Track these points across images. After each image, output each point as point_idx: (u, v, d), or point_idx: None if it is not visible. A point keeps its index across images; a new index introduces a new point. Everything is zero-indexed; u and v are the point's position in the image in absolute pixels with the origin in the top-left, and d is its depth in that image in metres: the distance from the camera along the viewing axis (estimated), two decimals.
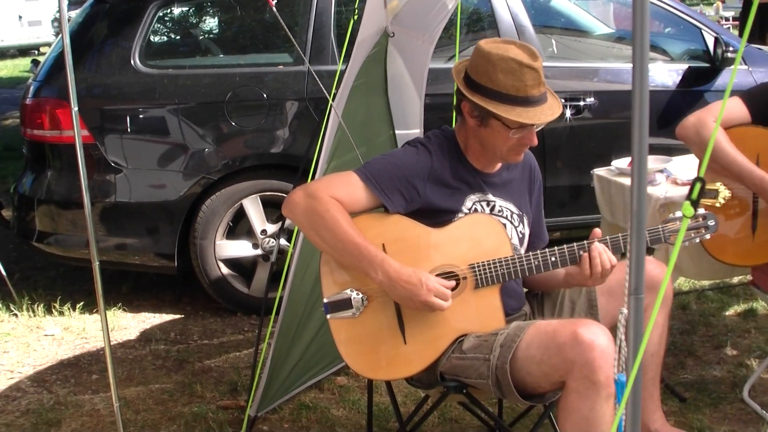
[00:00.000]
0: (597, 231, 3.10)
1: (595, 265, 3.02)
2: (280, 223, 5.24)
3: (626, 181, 4.31)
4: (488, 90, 3.01)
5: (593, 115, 5.66)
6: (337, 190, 3.04)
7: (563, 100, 5.47)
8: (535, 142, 3.11)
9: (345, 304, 3.06)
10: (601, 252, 3.03)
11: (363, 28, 3.87)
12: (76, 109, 3.56)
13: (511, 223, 3.26)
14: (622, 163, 4.51)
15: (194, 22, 6.30)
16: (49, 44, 26.48)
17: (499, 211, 3.24)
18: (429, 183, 3.11)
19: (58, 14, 23.47)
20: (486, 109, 3.01)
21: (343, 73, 4.00)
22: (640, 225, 1.64)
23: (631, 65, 1.62)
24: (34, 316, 5.70)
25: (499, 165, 3.28)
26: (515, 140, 3.07)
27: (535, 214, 3.45)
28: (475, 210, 3.18)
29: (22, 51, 28.10)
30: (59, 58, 5.09)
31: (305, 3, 5.55)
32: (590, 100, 5.61)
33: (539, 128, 3.12)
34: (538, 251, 3.07)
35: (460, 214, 3.15)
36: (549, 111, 3.05)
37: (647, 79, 1.62)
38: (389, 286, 2.95)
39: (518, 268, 3.05)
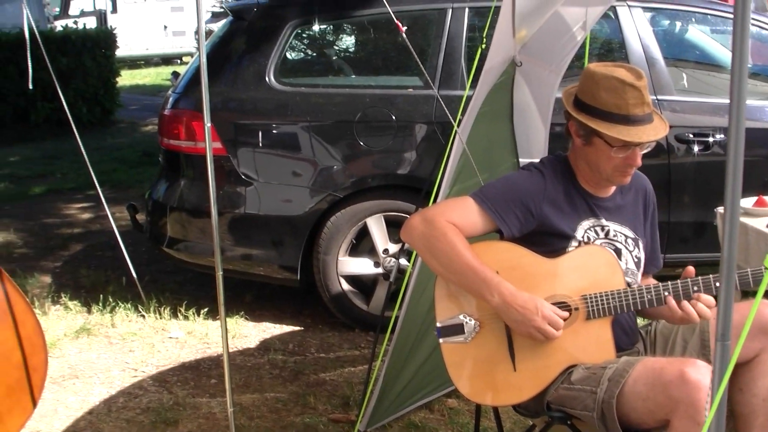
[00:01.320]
0: (690, 269, 3.09)
1: (684, 307, 3.03)
2: (401, 244, 5.31)
3: (749, 221, 4.25)
4: (591, 108, 3.06)
5: (723, 152, 5.58)
6: (453, 215, 3.10)
7: (691, 135, 5.48)
8: (639, 162, 3.11)
9: (457, 329, 3.12)
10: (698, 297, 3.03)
11: (491, 56, 3.93)
12: (209, 124, 3.70)
13: (626, 248, 3.26)
14: (748, 202, 4.44)
15: (328, 42, 6.43)
16: (191, 54, 27.25)
17: (614, 236, 3.25)
18: (544, 204, 3.15)
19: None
20: (588, 126, 3.05)
21: (469, 99, 4.06)
22: (730, 272, 1.64)
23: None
24: (160, 318, 5.91)
25: (613, 189, 3.29)
26: (619, 160, 3.08)
27: (650, 238, 3.44)
28: (588, 238, 3.20)
29: (166, 60, 28.98)
30: (197, 73, 5.28)
31: (438, 27, 5.61)
32: (720, 136, 5.52)
33: (646, 150, 3.12)
34: (651, 285, 3.07)
35: (573, 242, 3.17)
36: (652, 131, 3.05)
37: (743, 112, 1.62)
38: (504, 309, 2.99)
39: (630, 301, 3.05)
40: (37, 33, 5.92)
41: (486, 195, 3.16)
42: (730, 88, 1.60)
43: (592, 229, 3.22)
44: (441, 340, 3.13)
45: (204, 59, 3.64)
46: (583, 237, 3.20)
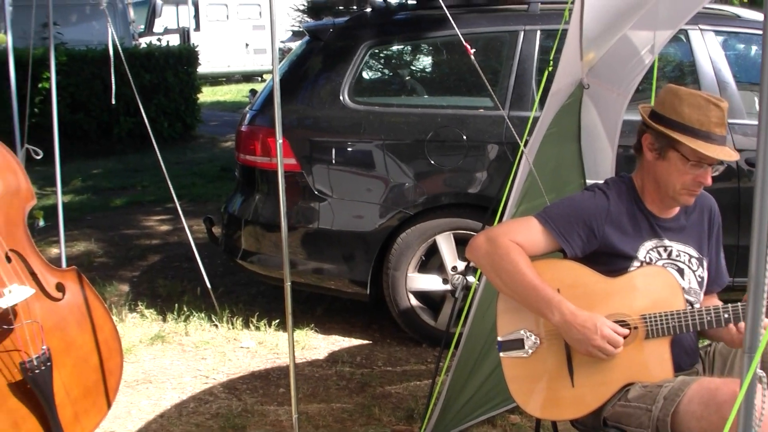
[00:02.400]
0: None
1: (743, 330, 3.05)
2: (467, 262, 5.39)
3: None
4: (672, 122, 3.13)
5: None
6: (517, 235, 3.19)
7: None
8: (709, 182, 3.16)
9: (518, 343, 3.20)
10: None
11: (558, 79, 4.00)
12: (280, 141, 3.83)
13: (689, 267, 3.30)
14: None
15: (402, 62, 6.54)
16: (271, 72, 27.59)
17: (677, 256, 3.29)
18: (606, 225, 3.21)
19: (281, 44, 24.29)
20: (668, 137, 3.12)
21: (536, 120, 4.14)
22: (758, 289, 1.70)
23: None
24: (233, 328, 6.06)
25: (676, 210, 3.34)
26: (690, 177, 3.14)
27: (714, 256, 3.47)
28: (651, 258, 3.24)
29: (246, 77, 29.38)
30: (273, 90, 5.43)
31: (509, 49, 5.69)
32: None
33: (715, 173, 3.18)
34: (711, 307, 3.11)
35: (635, 263, 3.23)
36: (727, 153, 3.11)
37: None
38: (565, 327, 3.06)
39: (690, 322, 3.09)
40: (121, 50, 6.13)
41: (549, 215, 3.24)
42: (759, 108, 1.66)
43: (654, 250, 3.27)
44: (501, 354, 3.22)
45: (277, 78, 3.78)
46: (645, 258, 3.25)
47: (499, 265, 3.16)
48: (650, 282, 3.18)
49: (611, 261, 3.23)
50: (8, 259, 3.81)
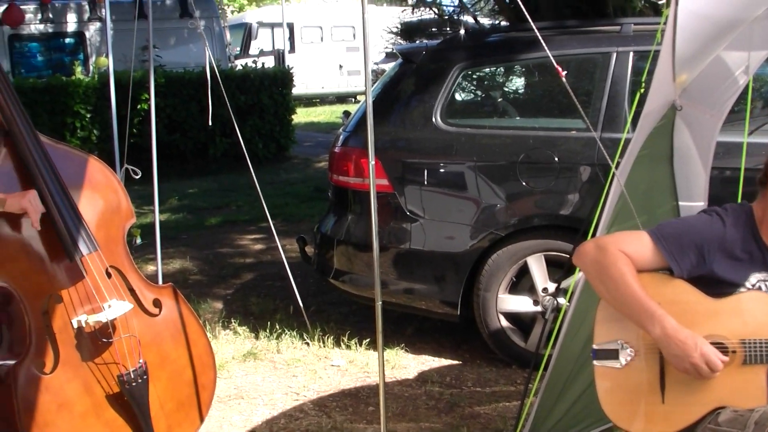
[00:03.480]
0: None
1: None
2: (558, 283, 5.38)
3: None
4: None
5: None
6: (626, 246, 3.18)
7: None
8: None
9: (612, 353, 3.19)
10: None
11: (650, 100, 3.98)
12: (372, 162, 3.89)
13: None
14: None
15: (494, 84, 6.56)
16: (364, 93, 27.80)
17: None
18: (718, 253, 3.17)
19: (374, 65, 24.47)
20: None
21: (628, 142, 4.12)
22: None
23: None
24: (324, 346, 6.12)
25: None
26: None
27: None
28: (759, 288, 3.21)
29: (340, 98, 29.63)
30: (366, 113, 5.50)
31: (602, 70, 5.66)
32: None
33: None
34: None
35: (741, 289, 3.20)
36: None
37: None
38: (664, 341, 3.03)
39: None
40: (217, 72, 6.27)
41: (663, 233, 3.21)
42: None
43: (763, 282, 3.22)
44: (595, 362, 3.21)
45: (370, 100, 3.84)
46: (752, 287, 3.21)
47: (606, 273, 3.15)
48: (754, 307, 3.14)
49: (717, 285, 3.18)
50: (108, 275, 3.92)
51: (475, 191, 5.68)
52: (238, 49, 26.91)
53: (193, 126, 14.98)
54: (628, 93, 5.55)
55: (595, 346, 3.22)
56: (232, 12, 38.51)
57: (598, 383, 3.22)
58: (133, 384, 3.89)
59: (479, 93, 6.60)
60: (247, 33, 27.61)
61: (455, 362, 5.91)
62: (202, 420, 4.33)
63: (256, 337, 6.38)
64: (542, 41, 4.06)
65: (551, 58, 4.08)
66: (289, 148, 16.57)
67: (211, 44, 16.19)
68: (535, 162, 5.60)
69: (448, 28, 11.44)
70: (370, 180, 3.92)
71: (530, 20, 4.03)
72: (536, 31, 4.11)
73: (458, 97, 6.22)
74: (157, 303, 4.16)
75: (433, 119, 5.75)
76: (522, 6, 4.07)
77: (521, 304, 5.71)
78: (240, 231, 10.35)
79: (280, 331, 6.35)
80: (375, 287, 4.03)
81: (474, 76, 6.37)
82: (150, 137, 6.45)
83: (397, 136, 5.84)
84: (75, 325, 3.80)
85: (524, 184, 5.57)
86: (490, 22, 12.22)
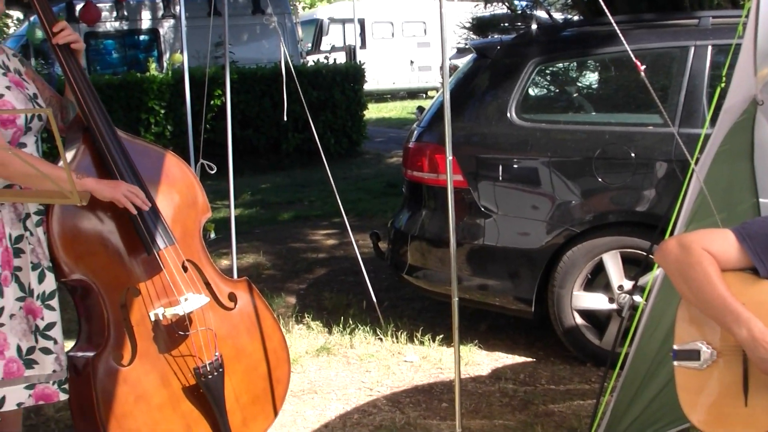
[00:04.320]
0: None
1: None
2: (635, 280, 5.31)
3: None
4: None
5: None
6: (711, 245, 3.09)
7: None
8: None
9: (694, 354, 3.13)
10: None
11: (730, 95, 3.90)
12: (450, 158, 3.87)
13: None
14: None
15: (569, 79, 6.50)
16: (436, 89, 27.80)
17: None
18: None
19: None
20: None
21: (707, 137, 4.05)
22: None
23: None
24: (397, 342, 6.12)
25: None
26: None
27: None
28: None
29: (411, 94, 29.65)
30: (442, 107, 5.47)
31: (680, 65, 5.57)
32: None
33: None
34: None
35: None
36: None
37: None
38: (751, 345, 2.95)
39: None
40: (292, 68, 6.29)
41: (748, 233, 3.11)
42: None
43: None
44: (675, 363, 3.15)
45: (447, 95, 3.82)
46: None
47: (689, 272, 3.07)
48: None
49: None
50: (185, 269, 3.96)
51: (549, 187, 5.63)
52: (310, 45, 27.04)
53: (266, 121, 15.10)
54: (706, 87, 5.46)
55: (675, 347, 3.16)
56: (304, 8, 38.70)
57: (678, 384, 3.16)
58: (209, 377, 3.93)
59: (554, 88, 6.55)
60: (318, 29, 27.75)
61: (529, 359, 5.87)
62: (276, 414, 4.36)
63: (330, 332, 6.41)
64: (621, 35, 4.01)
65: (630, 52, 4.02)
66: (361, 144, 16.62)
67: (284, 40, 16.28)
68: (611, 157, 5.53)
69: (520, 23, 11.39)
70: (448, 177, 3.90)
71: (608, 14, 3.98)
72: (614, 25, 4.06)
73: (533, 92, 6.17)
74: (232, 297, 4.20)
75: (508, 114, 5.71)
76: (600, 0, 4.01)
77: (596, 301, 5.65)
78: (312, 226, 10.39)
79: (353, 326, 6.36)
80: (452, 284, 4.01)
81: (549, 71, 6.32)
82: (223, 133, 6.50)
83: (472, 131, 5.81)
84: (152, 318, 3.85)
85: (600, 180, 5.51)
86: (563, 16, 12.14)
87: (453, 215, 4.00)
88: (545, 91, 6.50)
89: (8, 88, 3.59)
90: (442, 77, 3.90)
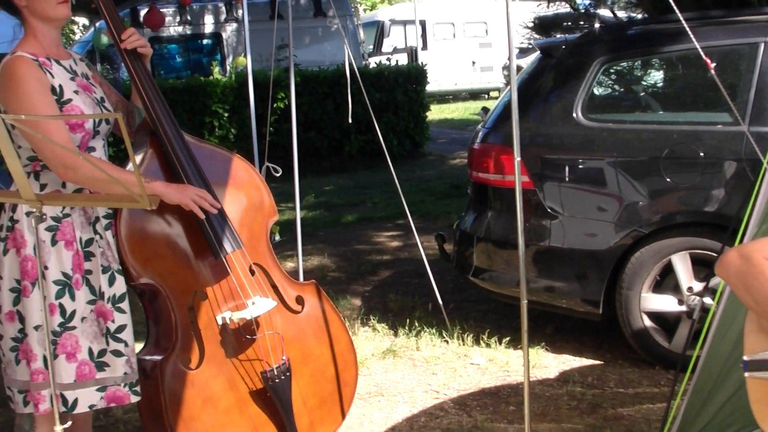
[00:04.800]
0: None
1: None
2: (705, 282, 5.23)
3: None
4: None
5: None
6: None
7: None
8: None
9: (765, 365, 3.06)
10: None
11: None
12: (518, 159, 3.83)
13: None
14: None
15: (636, 77, 6.41)
16: (498, 89, 27.71)
17: None
18: None
19: (508, 61, 24.38)
20: None
21: None
22: None
23: None
24: (463, 344, 6.09)
25: None
26: None
27: None
28: None
29: (473, 94, 29.58)
30: (507, 108, 5.42)
31: (749, 62, 5.47)
32: None
33: None
34: None
35: None
36: None
37: None
38: None
39: None
40: (356, 70, 6.29)
41: None
42: None
43: None
44: (746, 374, 3.08)
45: (515, 96, 3.79)
46: None
47: (752, 284, 3.01)
48: None
49: None
50: (252, 272, 3.98)
51: (617, 187, 5.56)
52: (371, 46, 27.07)
53: (329, 123, 15.16)
54: None
55: (745, 358, 3.09)
56: (365, 10, 38.76)
57: (750, 395, 3.09)
58: (277, 380, 3.94)
59: (620, 87, 6.47)
60: (379, 31, 27.76)
61: (597, 362, 5.80)
62: (343, 417, 4.37)
63: (395, 334, 6.40)
64: (690, 33, 3.95)
65: (699, 50, 3.97)
66: (424, 145, 16.59)
67: (347, 43, 16.32)
68: (680, 157, 5.45)
69: (583, 22, 11.31)
70: (516, 178, 3.87)
71: (677, 11, 3.93)
72: (683, 22, 4.00)
73: (599, 91, 6.11)
74: (299, 300, 4.20)
75: (574, 114, 5.66)
76: None
77: (665, 303, 5.57)
78: (376, 228, 10.40)
79: (419, 328, 6.34)
80: (521, 286, 3.98)
81: (615, 70, 6.24)
82: (286, 135, 6.53)
83: (537, 131, 5.77)
84: (219, 322, 3.87)
85: (668, 179, 5.43)
86: (627, 14, 12.02)
87: (522, 217, 3.96)
88: (611, 90, 6.43)
89: (76, 92, 3.63)
90: (510, 78, 3.87)
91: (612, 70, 6.20)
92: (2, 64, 3.55)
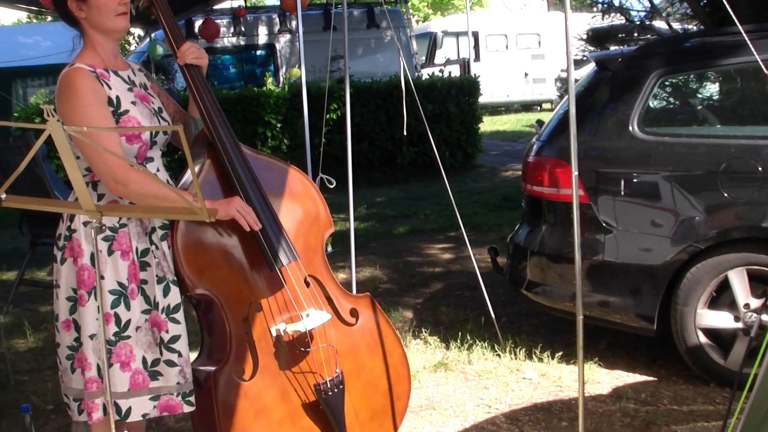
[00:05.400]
0: None
1: None
2: (764, 299, 5.16)
3: None
4: None
5: None
6: None
7: None
8: None
9: None
10: None
11: None
12: (576, 173, 3.81)
13: None
14: None
15: (693, 91, 6.34)
16: (550, 101, 27.62)
17: None
18: None
19: (561, 73, 24.27)
20: None
21: None
22: None
23: None
24: (515, 359, 6.05)
25: None
26: None
27: None
28: None
29: (525, 106, 29.53)
30: (562, 121, 5.39)
31: None
32: None
33: None
34: None
35: None
36: None
37: None
38: None
39: None
40: (411, 81, 6.30)
41: None
42: None
43: None
44: None
45: (573, 110, 3.77)
46: None
47: None
48: None
49: None
50: (307, 284, 3.98)
51: (672, 202, 5.50)
52: (424, 58, 27.10)
53: (381, 135, 15.21)
54: None
55: None
56: (417, 22, 38.86)
57: None
58: (329, 393, 3.94)
59: (677, 100, 6.40)
60: (432, 42, 27.81)
61: (650, 378, 5.74)
62: (395, 430, 4.35)
63: (447, 348, 6.37)
64: (750, 45, 3.91)
65: (759, 62, 3.92)
66: (476, 157, 16.57)
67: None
68: (737, 171, 5.38)
69: (637, 34, 11.24)
70: (573, 192, 3.84)
71: (738, 23, 3.88)
72: (743, 34, 3.96)
73: (656, 104, 6.05)
74: (354, 312, 4.20)
75: (630, 128, 5.62)
76: (729, 8, 3.92)
77: (721, 320, 5.49)
78: (428, 240, 10.39)
79: (471, 342, 6.32)
80: (576, 301, 3.95)
81: (672, 83, 6.18)
82: (339, 146, 6.55)
83: (592, 145, 5.73)
84: (274, 334, 3.88)
85: (725, 194, 5.36)
86: (682, 26, 11.91)
87: (578, 231, 3.93)
88: (667, 103, 6.36)
89: (133, 103, 3.66)
90: (568, 91, 3.85)
91: (669, 83, 6.14)
92: (61, 76, 3.59)
